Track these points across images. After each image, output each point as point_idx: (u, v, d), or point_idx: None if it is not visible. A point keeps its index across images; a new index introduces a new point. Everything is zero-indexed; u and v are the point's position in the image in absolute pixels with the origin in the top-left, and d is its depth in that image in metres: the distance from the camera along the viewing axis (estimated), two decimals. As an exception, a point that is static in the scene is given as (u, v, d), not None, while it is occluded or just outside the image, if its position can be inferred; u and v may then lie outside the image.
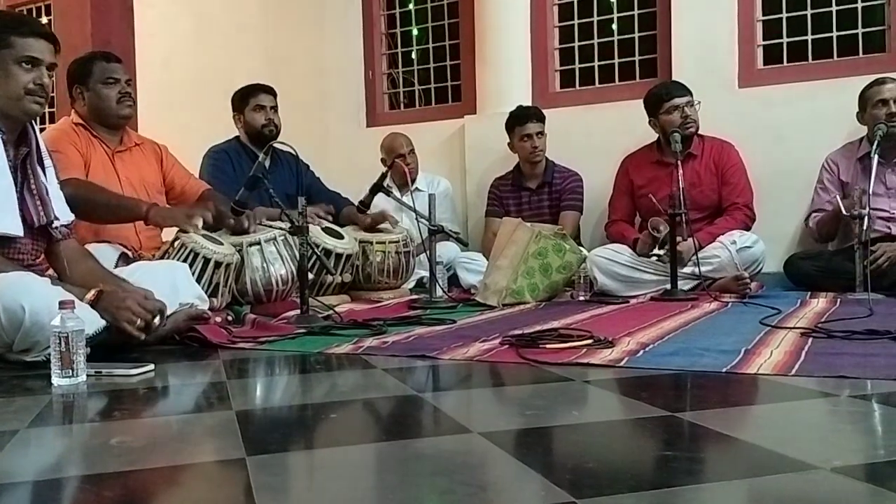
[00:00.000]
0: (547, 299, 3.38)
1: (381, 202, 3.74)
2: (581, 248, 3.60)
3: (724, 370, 1.73)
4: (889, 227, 3.43)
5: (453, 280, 3.90)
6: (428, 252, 3.32)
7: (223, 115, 3.95)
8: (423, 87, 5.02)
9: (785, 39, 4.03)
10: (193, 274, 2.66)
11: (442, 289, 3.37)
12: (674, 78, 3.99)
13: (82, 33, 4.62)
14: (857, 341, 2.05)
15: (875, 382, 1.58)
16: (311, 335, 2.42)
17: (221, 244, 2.93)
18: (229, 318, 2.75)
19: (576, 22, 4.51)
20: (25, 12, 5.72)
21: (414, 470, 1.12)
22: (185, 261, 2.74)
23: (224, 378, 1.85)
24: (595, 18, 4.46)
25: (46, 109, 2.78)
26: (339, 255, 3.36)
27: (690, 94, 3.66)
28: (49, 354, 1.76)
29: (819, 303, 3.02)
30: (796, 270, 3.56)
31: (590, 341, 2.06)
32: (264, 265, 3.06)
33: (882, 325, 2.18)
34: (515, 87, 4.45)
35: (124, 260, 2.73)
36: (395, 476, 1.09)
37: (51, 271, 2.29)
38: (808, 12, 3.98)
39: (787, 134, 3.87)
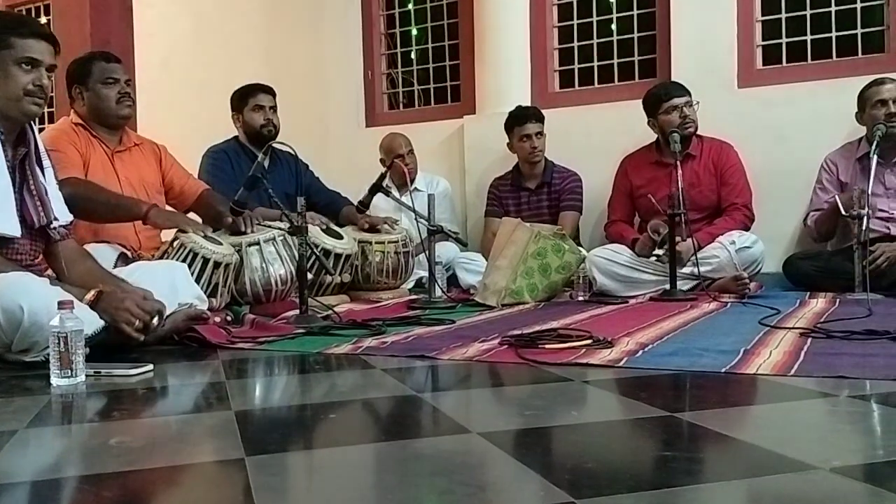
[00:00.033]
0: (546, 299, 3.38)
1: (380, 202, 3.75)
2: (580, 249, 3.60)
3: (723, 370, 1.73)
4: (888, 228, 3.44)
5: (452, 280, 3.90)
6: (427, 252, 3.32)
7: (222, 114, 3.94)
8: (423, 87, 5.02)
9: (784, 40, 4.03)
10: (192, 274, 2.66)
11: (441, 289, 3.37)
12: (673, 78, 3.99)
13: (81, 33, 4.61)
14: (856, 341, 2.05)
15: (874, 383, 1.59)
16: (310, 335, 2.42)
17: (220, 244, 2.93)
18: (228, 318, 2.75)
19: (575, 22, 4.51)
20: (24, 12, 5.73)
21: (413, 470, 1.12)
22: (184, 261, 2.74)
23: (223, 378, 1.85)
24: (594, 18, 4.46)
25: (45, 109, 2.78)
26: (338, 256, 3.36)
27: (689, 94, 3.67)
28: (48, 355, 1.75)
29: (818, 303, 3.02)
30: (795, 271, 3.56)
31: (589, 341, 2.06)
32: (263, 265, 3.06)
33: (881, 326, 2.18)
34: (515, 88, 4.45)
35: (123, 260, 2.74)
36: (394, 476, 1.09)
37: (49, 271, 2.29)
38: (808, 12, 3.99)
39: (786, 134, 3.87)
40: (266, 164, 3.39)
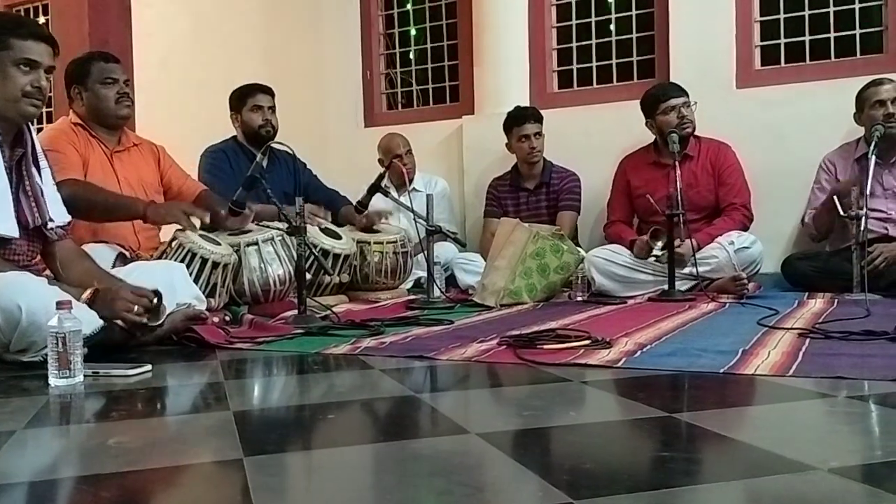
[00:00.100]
0: (545, 300, 3.38)
1: (378, 202, 3.74)
2: (579, 249, 3.60)
3: (721, 371, 1.73)
4: (886, 228, 3.44)
5: (451, 280, 3.90)
6: (426, 252, 3.32)
7: (221, 114, 3.94)
8: (421, 87, 5.02)
9: (783, 40, 4.04)
10: (191, 274, 2.66)
11: (440, 289, 3.37)
12: (672, 79, 4.00)
13: (80, 33, 4.61)
14: (854, 342, 2.05)
15: (872, 383, 1.59)
16: (308, 335, 2.42)
17: (219, 244, 2.93)
18: (227, 318, 2.75)
19: (574, 22, 4.51)
20: (23, 12, 5.72)
21: (411, 470, 1.12)
22: (182, 261, 2.74)
23: (221, 378, 1.85)
24: (593, 19, 4.47)
25: (44, 109, 2.78)
26: (336, 256, 3.36)
27: (686, 94, 3.67)
28: (46, 355, 1.75)
29: (816, 303, 3.02)
30: (794, 271, 3.56)
31: (587, 342, 2.06)
32: (262, 265, 3.06)
33: (879, 326, 2.18)
34: (513, 88, 4.45)
35: (121, 260, 2.73)
36: (392, 477, 1.09)
37: (48, 272, 2.29)
38: (806, 13, 3.99)
39: (784, 134, 3.87)
40: (264, 164, 3.39)
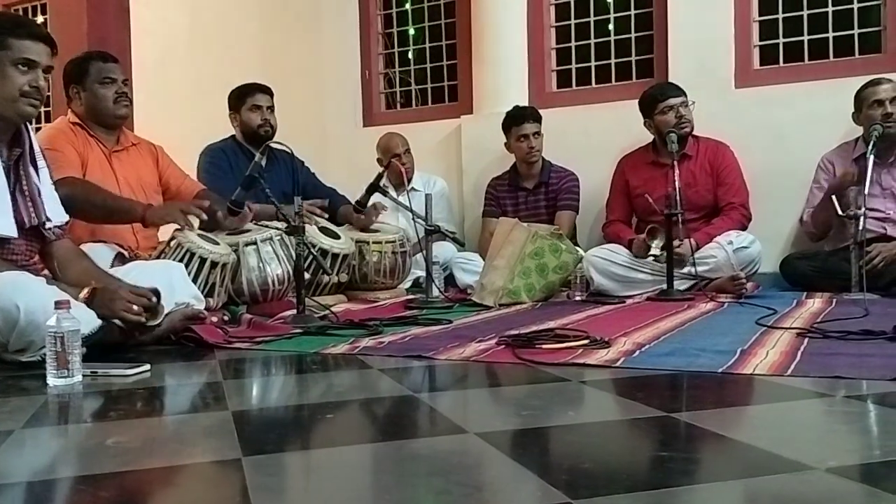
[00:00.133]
0: (543, 299, 3.38)
1: (377, 202, 3.74)
2: (577, 248, 3.60)
3: (720, 370, 1.73)
4: (884, 228, 3.44)
5: (450, 280, 3.90)
6: (424, 252, 3.32)
7: (220, 114, 3.94)
8: (420, 86, 5.01)
9: (781, 40, 4.04)
10: (190, 274, 2.66)
11: (438, 289, 3.37)
12: (670, 78, 4.00)
13: (78, 33, 4.61)
14: (852, 342, 2.05)
15: (870, 383, 1.59)
16: (307, 335, 2.42)
17: (218, 244, 2.93)
18: (225, 317, 2.75)
19: (572, 22, 4.51)
20: (21, 12, 5.71)
21: (410, 470, 1.12)
22: (181, 260, 2.74)
23: (220, 378, 1.85)
24: (592, 18, 4.46)
25: (42, 109, 2.78)
26: (335, 255, 3.36)
27: (685, 94, 3.67)
28: (45, 354, 1.75)
29: (815, 303, 3.02)
30: (792, 271, 3.57)
31: (586, 341, 2.06)
32: (260, 265, 3.06)
33: (877, 326, 2.18)
34: (512, 87, 4.45)
35: (120, 260, 2.73)
36: (391, 476, 1.09)
37: (46, 271, 2.28)
38: (805, 13, 3.99)
39: (783, 134, 3.87)
40: (263, 163, 3.38)
